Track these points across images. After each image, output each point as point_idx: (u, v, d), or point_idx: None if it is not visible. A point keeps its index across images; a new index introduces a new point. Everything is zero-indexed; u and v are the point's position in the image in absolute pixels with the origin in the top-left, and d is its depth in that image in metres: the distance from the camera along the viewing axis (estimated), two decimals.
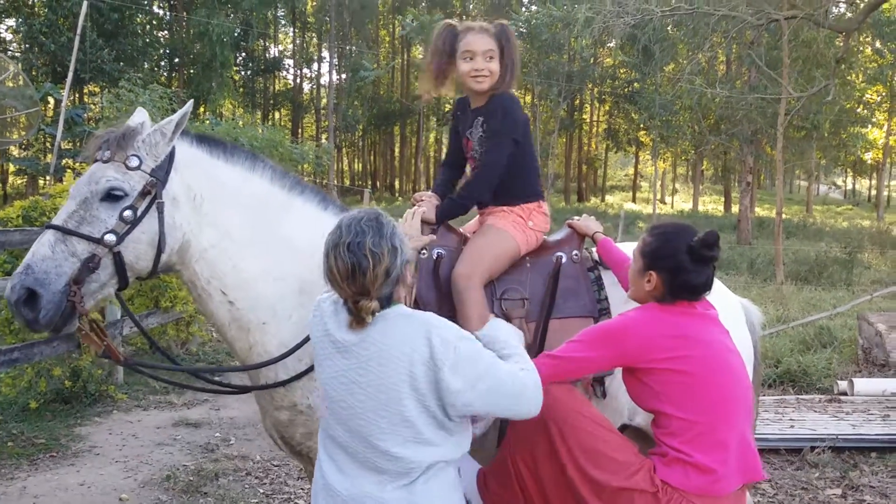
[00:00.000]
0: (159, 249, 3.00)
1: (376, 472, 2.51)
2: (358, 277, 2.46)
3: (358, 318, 2.51)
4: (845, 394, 7.97)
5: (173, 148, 3.07)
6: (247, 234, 3.19)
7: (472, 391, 2.46)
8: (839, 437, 6.55)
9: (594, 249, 3.68)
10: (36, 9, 34.44)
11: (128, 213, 2.92)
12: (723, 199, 48.98)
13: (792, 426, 6.88)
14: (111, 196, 2.92)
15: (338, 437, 2.58)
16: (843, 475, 6.01)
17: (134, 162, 2.96)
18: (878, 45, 29.57)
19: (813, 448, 6.41)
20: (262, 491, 5.62)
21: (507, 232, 3.46)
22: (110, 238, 2.88)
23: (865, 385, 8.00)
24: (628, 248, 3.48)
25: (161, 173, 3.01)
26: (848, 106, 28.93)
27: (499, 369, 2.52)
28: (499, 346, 2.74)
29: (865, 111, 33.94)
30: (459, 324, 3.23)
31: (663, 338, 2.81)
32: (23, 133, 19.72)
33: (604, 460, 2.78)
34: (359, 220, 2.54)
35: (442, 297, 3.34)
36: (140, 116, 3.16)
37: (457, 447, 2.59)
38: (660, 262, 2.90)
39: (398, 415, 2.46)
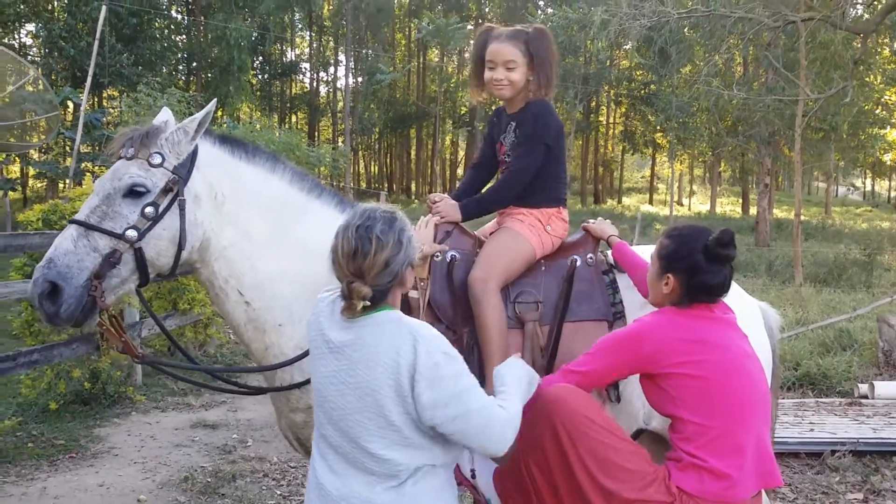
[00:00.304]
0: (180, 246, 3.02)
1: (366, 472, 2.50)
2: (358, 258, 2.48)
3: (349, 305, 2.49)
4: (866, 397, 7.91)
5: (196, 147, 3.10)
6: (265, 234, 3.21)
7: (439, 411, 2.43)
8: (860, 440, 6.47)
9: (609, 253, 3.67)
10: (56, 14, 34.75)
11: (150, 209, 2.94)
12: (740, 200, 48.78)
13: (812, 430, 6.83)
14: (133, 192, 2.94)
15: (329, 437, 2.57)
16: (864, 479, 5.95)
17: (157, 159, 2.98)
18: (895, 46, 29.35)
19: (833, 452, 6.34)
20: (279, 492, 5.63)
21: (522, 235, 3.46)
22: (132, 234, 2.91)
23: (886, 388, 7.92)
24: (644, 251, 3.47)
25: (183, 171, 3.03)
26: (866, 107, 28.76)
27: (473, 399, 2.47)
28: (498, 381, 2.73)
29: (884, 112, 33.69)
30: (477, 329, 3.24)
31: (679, 342, 2.80)
32: (42, 137, 19.85)
33: (615, 469, 2.75)
34: (375, 209, 2.60)
35: (456, 301, 3.34)
36: (164, 115, 3.19)
37: (445, 451, 2.57)
38: (676, 263, 2.89)
39: (384, 418, 2.45)
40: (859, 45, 17.69)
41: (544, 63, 3.47)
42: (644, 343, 2.82)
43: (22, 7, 34.21)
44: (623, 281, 3.51)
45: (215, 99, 3.35)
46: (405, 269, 2.57)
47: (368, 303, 2.50)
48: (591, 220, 3.75)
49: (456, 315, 3.28)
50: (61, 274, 2.81)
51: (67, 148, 25.95)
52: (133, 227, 2.91)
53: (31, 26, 36.90)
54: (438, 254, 3.41)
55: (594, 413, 2.84)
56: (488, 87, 3.57)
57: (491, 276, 3.30)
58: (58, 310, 2.82)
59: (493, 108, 3.86)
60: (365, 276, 2.48)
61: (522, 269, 3.45)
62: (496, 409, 2.52)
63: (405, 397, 2.44)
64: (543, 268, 3.51)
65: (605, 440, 2.78)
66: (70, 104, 25.27)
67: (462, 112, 52.43)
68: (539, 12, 42.40)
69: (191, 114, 3.06)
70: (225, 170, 3.18)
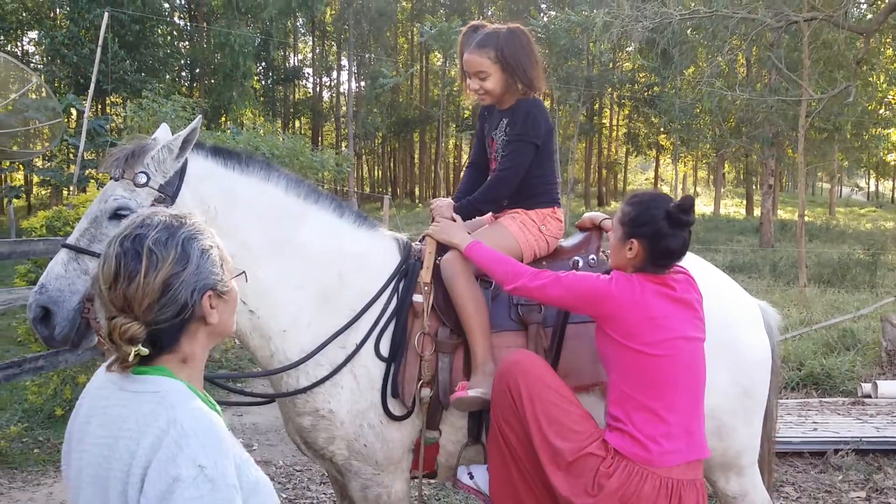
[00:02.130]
0: None
1: None
2: (121, 282, 1.78)
3: (115, 355, 1.82)
4: (869, 396, 7.93)
5: (185, 162, 3.12)
6: (264, 243, 3.23)
7: None
8: (863, 439, 6.51)
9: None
10: (58, 21, 34.84)
11: None
12: (744, 202, 48.70)
13: (815, 429, 6.84)
14: (119, 214, 2.98)
15: None
16: (867, 478, 5.97)
17: (142, 179, 3.02)
18: None
19: (836, 451, 6.38)
20: (284, 496, 5.65)
21: (508, 231, 3.48)
22: None
23: (889, 387, 7.95)
24: None
25: (170, 189, 3.06)
26: (870, 107, 28.67)
27: None
28: None
29: (888, 112, 33.64)
30: (455, 309, 3.25)
31: (636, 317, 2.88)
32: (46, 144, 19.94)
33: (564, 430, 2.91)
34: (153, 214, 1.91)
35: None
36: (161, 131, 3.23)
37: None
38: (640, 228, 2.95)
39: None
40: (862, 45, 17.66)
41: (518, 65, 3.44)
42: (604, 305, 2.93)
43: (24, 15, 34.33)
44: None
45: (200, 116, 3.37)
46: (200, 297, 1.85)
47: (146, 351, 1.81)
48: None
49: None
50: (52, 298, 2.88)
51: (71, 155, 26.01)
52: None
53: (33, 34, 36.99)
54: (441, 257, 3.41)
55: (549, 377, 3.01)
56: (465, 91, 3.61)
57: (458, 258, 3.32)
58: (52, 333, 2.90)
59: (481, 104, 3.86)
60: (133, 307, 1.77)
61: None
62: None
63: (130, 495, 1.70)
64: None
65: (557, 402, 2.94)
66: (73, 111, 25.37)
67: (465, 115, 52.43)
68: (541, 15, 42.45)
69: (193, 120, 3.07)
70: (217, 182, 3.20)
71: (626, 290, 2.91)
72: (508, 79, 3.47)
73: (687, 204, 2.94)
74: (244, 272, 2.19)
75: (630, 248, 2.96)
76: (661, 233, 2.92)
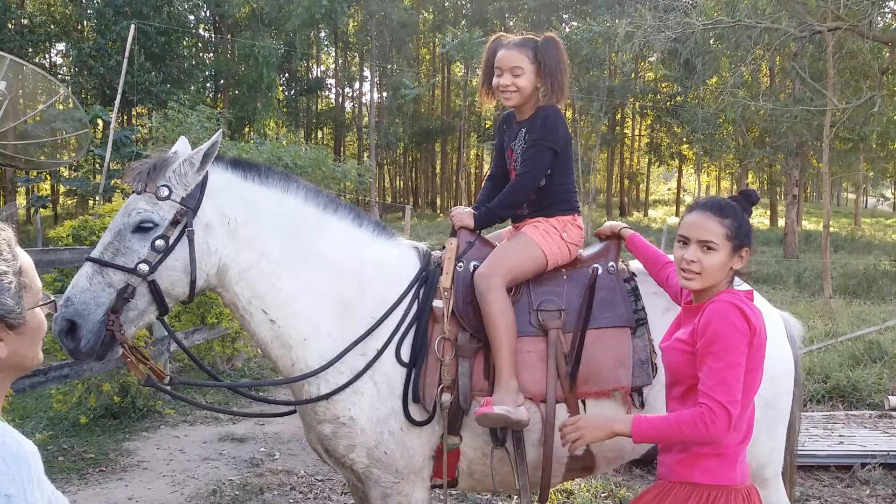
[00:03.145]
0: (192, 276, 3.10)
1: None
2: None
3: None
4: None
5: (206, 175, 3.16)
6: (284, 253, 3.26)
7: None
8: (890, 453, 6.41)
9: (631, 263, 3.68)
10: (85, 33, 35.34)
11: (160, 242, 3.03)
12: (768, 212, 48.38)
13: (841, 442, 6.76)
14: (142, 227, 3.04)
15: None
16: (894, 493, 5.90)
17: (164, 192, 3.07)
18: None
19: (864, 465, 6.28)
20: None
21: (533, 240, 3.47)
22: (143, 268, 3.00)
23: None
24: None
25: (192, 202, 3.10)
26: None
27: None
28: None
29: None
30: (485, 326, 3.25)
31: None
32: (73, 154, 20.12)
33: None
34: None
35: (479, 309, 3.35)
36: (180, 145, 3.28)
37: None
38: (749, 234, 2.83)
39: None
40: (888, 54, 17.54)
41: (553, 71, 3.49)
42: (759, 349, 2.75)
43: (52, 27, 34.81)
44: (645, 287, 3.51)
45: (220, 129, 3.42)
46: None
47: None
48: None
49: (481, 323, 3.29)
50: (78, 311, 2.93)
51: (97, 165, 26.26)
52: (144, 260, 3.01)
53: (61, 46, 37.57)
54: (461, 264, 3.43)
55: None
56: (496, 94, 3.61)
57: (495, 273, 3.31)
58: (77, 345, 2.95)
59: (501, 114, 3.87)
60: None
61: (530, 274, 3.46)
62: None
63: None
64: (565, 276, 3.52)
65: None
66: (100, 122, 25.58)
67: (487, 126, 52.45)
68: (563, 25, 42.46)
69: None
70: (237, 194, 3.24)
71: (746, 310, 2.73)
72: (539, 82, 3.51)
73: (753, 195, 2.89)
74: (53, 300, 1.93)
75: (740, 259, 2.81)
76: (750, 233, 2.85)
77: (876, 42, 17.48)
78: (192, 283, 3.11)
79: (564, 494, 5.75)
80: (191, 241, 3.08)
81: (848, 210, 59.01)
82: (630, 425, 2.75)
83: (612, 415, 3.06)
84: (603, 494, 5.80)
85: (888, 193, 68.27)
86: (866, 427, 7.25)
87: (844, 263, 20.75)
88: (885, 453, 6.39)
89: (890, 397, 8.04)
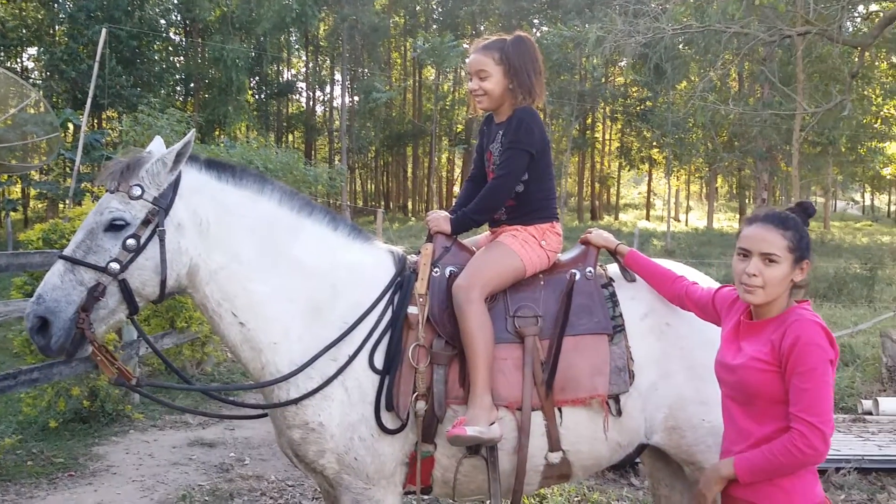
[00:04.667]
0: (163, 275, 3.07)
1: None
2: None
3: None
4: (870, 413, 7.83)
5: (179, 175, 3.13)
6: (256, 256, 3.23)
7: None
8: (865, 457, 6.38)
9: (608, 267, 3.65)
10: (57, 38, 35.02)
11: (131, 241, 3.01)
12: (738, 216, 48.84)
13: None
14: (114, 226, 3.02)
15: None
16: (870, 497, 5.89)
17: (136, 191, 3.04)
18: (893, 59, 29.48)
19: (838, 469, 6.24)
20: None
21: (512, 249, 3.44)
22: (114, 266, 2.98)
23: (891, 404, 7.81)
24: (671, 266, 3.53)
25: (164, 202, 3.07)
26: (865, 121, 28.85)
27: None
28: None
29: (883, 126, 33.77)
30: (462, 338, 3.22)
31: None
32: (43, 158, 19.95)
33: None
34: None
35: (455, 316, 3.31)
36: (155, 144, 3.24)
37: None
38: (810, 246, 2.81)
39: None
40: (857, 59, 17.75)
41: (521, 69, 3.46)
42: (830, 352, 2.73)
43: (24, 31, 34.48)
44: (623, 293, 3.49)
45: (193, 129, 3.39)
46: None
47: None
48: (589, 231, 3.73)
49: (456, 330, 3.26)
50: (49, 309, 2.93)
51: (68, 168, 26.05)
52: (115, 259, 2.99)
53: (33, 50, 37.17)
54: (437, 269, 3.40)
55: None
56: (470, 100, 3.60)
57: (474, 285, 3.28)
58: (48, 342, 2.94)
59: (483, 118, 3.85)
60: None
61: (509, 283, 3.42)
62: None
63: None
64: (542, 282, 3.49)
65: None
66: (70, 125, 25.40)
67: (458, 130, 52.58)
68: (534, 30, 42.63)
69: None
70: (210, 195, 3.20)
71: (821, 325, 2.73)
72: (509, 83, 3.48)
73: (810, 208, 2.88)
74: None
75: (801, 271, 2.78)
76: (810, 244, 2.83)
77: (845, 46, 17.72)
78: (163, 282, 3.07)
79: (537, 499, 5.73)
80: (162, 240, 3.05)
81: (817, 214, 59.67)
82: (733, 468, 2.75)
83: (715, 464, 2.94)
84: (576, 499, 5.79)
85: (857, 197, 69.20)
86: (840, 431, 7.19)
87: (815, 267, 20.89)
88: (860, 457, 6.35)
89: (863, 401, 8.07)
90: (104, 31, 15.72)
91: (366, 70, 48.12)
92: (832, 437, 2.65)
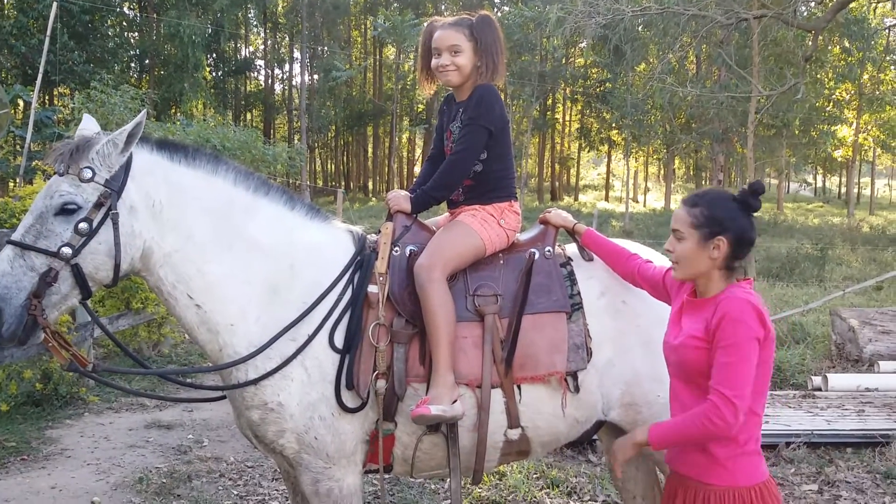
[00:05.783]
0: (117, 259, 3.01)
1: None
2: None
3: None
4: (819, 389, 8.03)
5: (130, 156, 3.07)
6: (211, 237, 3.19)
7: None
8: (814, 432, 6.56)
9: (566, 246, 3.67)
10: (6, 11, 34.13)
11: (83, 225, 2.94)
12: None
13: (766, 422, 6.88)
14: (65, 210, 2.94)
15: None
16: (818, 471, 6.04)
17: (87, 174, 2.97)
18: (846, 43, 29.89)
19: (788, 444, 6.42)
20: (235, 493, 5.57)
21: (472, 228, 3.44)
22: (66, 251, 2.91)
23: (839, 380, 8.05)
24: (628, 246, 3.55)
25: (115, 184, 3.01)
26: (818, 104, 29.24)
27: None
28: None
29: (835, 109, 34.29)
30: (424, 317, 3.22)
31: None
32: None
33: None
34: None
35: (415, 295, 3.31)
36: (87, 123, 3.17)
37: None
38: (725, 224, 2.81)
39: None
40: (811, 43, 17.96)
41: (489, 48, 3.47)
42: (770, 342, 2.76)
43: None
44: (581, 272, 3.51)
45: (145, 110, 3.32)
46: None
47: None
48: (548, 210, 3.74)
49: (416, 308, 3.26)
50: (0, 296, 2.83)
51: (18, 146, 25.49)
52: (67, 244, 2.91)
53: None
54: (397, 248, 3.39)
55: None
56: (436, 75, 3.57)
57: (435, 265, 3.28)
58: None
59: (444, 97, 3.83)
60: None
61: (470, 262, 3.43)
62: None
63: None
64: (502, 261, 3.50)
65: None
66: (20, 102, 24.80)
67: (419, 109, 52.43)
68: (495, 10, 42.54)
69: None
70: (162, 176, 3.14)
71: (756, 301, 2.76)
72: (478, 60, 3.48)
73: (759, 187, 2.88)
74: None
75: (716, 248, 2.80)
76: (742, 224, 2.83)
77: (800, 30, 17.92)
78: (117, 266, 3.02)
79: (497, 476, 5.77)
80: (115, 224, 2.99)
81: (771, 195, 60.46)
82: (647, 433, 2.83)
83: (633, 430, 3.01)
84: (535, 475, 5.84)
85: (810, 179, 70.19)
86: (790, 407, 7.40)
87: (767, 247, 21.22)
88: (809, 432, 6.53)
89: (813, 377, 8.27)
90: (55, 4, 15.34)
91: (325, 48, 47.72)
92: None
